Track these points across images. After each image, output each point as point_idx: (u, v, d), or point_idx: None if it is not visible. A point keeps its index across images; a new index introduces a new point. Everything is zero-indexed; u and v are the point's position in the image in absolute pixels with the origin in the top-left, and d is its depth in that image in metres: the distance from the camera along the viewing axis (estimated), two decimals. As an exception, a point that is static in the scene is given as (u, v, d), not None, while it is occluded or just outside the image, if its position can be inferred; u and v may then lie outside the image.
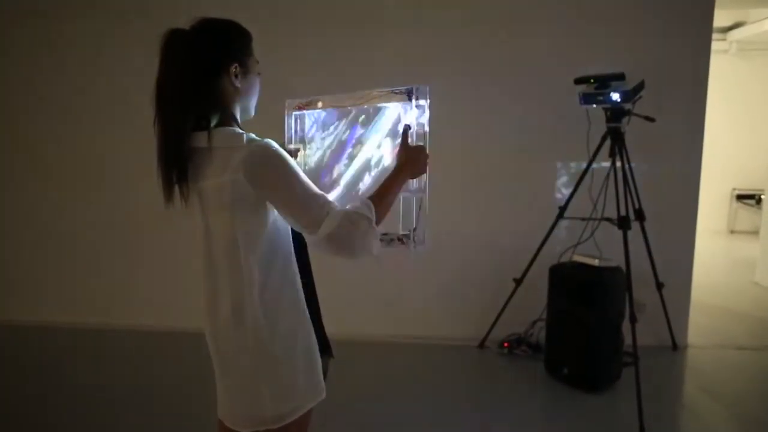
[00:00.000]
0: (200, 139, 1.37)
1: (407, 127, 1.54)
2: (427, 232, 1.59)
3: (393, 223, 1.62)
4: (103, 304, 4.22)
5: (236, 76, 1.42)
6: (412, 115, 1.55)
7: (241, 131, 1.39)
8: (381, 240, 1.48)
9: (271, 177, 1.34)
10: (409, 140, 1.53)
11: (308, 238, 1.40)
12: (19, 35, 4.10)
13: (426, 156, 1.53)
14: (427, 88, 1.54)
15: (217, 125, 1.39)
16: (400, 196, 1.56)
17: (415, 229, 1.59)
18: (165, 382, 3.39)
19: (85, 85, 4.07)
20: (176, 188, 1.38)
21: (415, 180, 1.56)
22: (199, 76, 1.37)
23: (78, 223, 4.21)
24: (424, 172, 1.55)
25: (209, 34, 1.40)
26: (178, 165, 1.36)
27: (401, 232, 1.61)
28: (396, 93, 1.57)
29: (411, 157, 1.51)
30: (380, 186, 1.47)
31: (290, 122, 1.90)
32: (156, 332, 4.05)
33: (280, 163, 1.34)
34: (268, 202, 1.37)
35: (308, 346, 1.47)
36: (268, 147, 1.34)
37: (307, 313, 1.48)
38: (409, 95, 1.54)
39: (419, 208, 1.58)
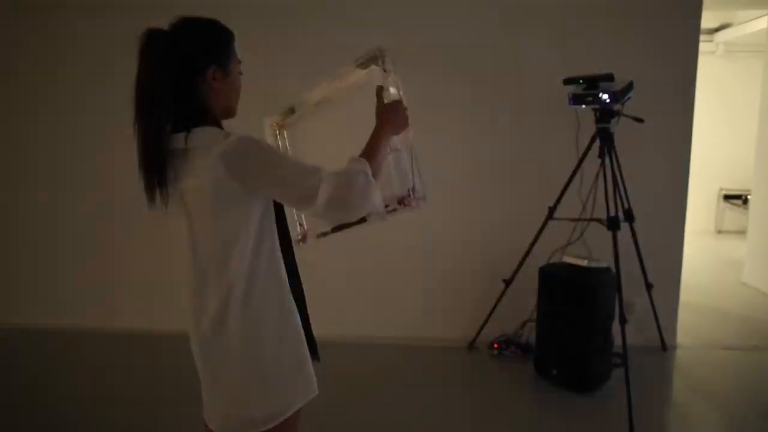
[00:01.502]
0: (180, 141, 1.34)
1: (379, 88, 1.55)
2: (425, 185, 1.58)
3: (390, 189, 1.60)
4: (87, 306, 4.16)
5: (216, 76, 1.39)
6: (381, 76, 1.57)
7: (220, 130, 1.36)
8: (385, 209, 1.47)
9: (254, 164, 1.31)
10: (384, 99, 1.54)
11: (309, 211, 1.35)
12: None
13: (404, 108, 1.53)
14: (387, 49, 1.56)
15: (197, 126, 1.36)
16: (389, 160, 1.55)
17: (413, 186, 1.57)
18: (150, 384, 3.34)
19: (66, 86, 4.02)
20: (158, 190, 1.35)
21: (400, 137, 1.56)
22: (179, 77, 1.34)
23: (62, 225, 4.16)
24: (407, 125, 1.54)
25: (189, 33, 1.37)
26: (158, 167, 1.33)
27: (400, 194, 1.59)
28: (362, 63, 1.58)
29: (389, 114, 1.51)
30: (365, 146, 1.47)
31: (273, 140, 1.89)
32: (142, 334, 3.99)
33: (258, 148, 1.32)
34: (252, 198, 1.33)
35: (296, 344, 1.45)
36: (243, 136, 1.31)
37: (295, 310, 1.45)
38: (374, 61, 1.56)
39: (410, 162, 1.57)
